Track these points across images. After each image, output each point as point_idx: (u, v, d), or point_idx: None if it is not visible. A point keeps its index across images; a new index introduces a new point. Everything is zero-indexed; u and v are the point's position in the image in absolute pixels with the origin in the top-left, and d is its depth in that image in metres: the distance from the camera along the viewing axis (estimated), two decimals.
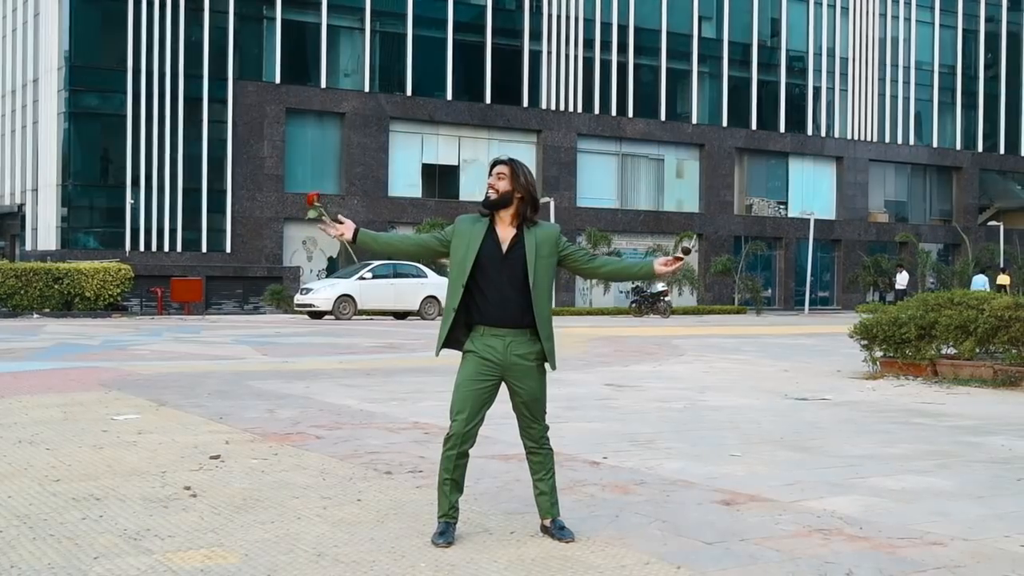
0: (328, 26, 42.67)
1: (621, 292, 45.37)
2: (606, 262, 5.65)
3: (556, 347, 5.49)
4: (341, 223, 5.43)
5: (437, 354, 5.54)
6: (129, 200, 39.53)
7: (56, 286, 32.80)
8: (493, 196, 5.32)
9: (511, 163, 5.36)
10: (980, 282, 42.33)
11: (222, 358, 17.11)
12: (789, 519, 5.88)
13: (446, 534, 5.25)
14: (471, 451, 5.33)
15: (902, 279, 39.99)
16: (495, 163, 5.40)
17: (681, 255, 5.41)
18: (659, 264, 5.48)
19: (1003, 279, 44.88)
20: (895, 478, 7.16)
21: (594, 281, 44.71)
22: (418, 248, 5.67)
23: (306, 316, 33.48)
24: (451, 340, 5.39)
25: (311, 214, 5.43)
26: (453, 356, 5.51)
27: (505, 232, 5.34)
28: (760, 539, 5.42)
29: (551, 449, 5.51)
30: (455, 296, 5.31)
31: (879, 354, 15.38)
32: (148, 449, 7.96)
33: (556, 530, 5.34)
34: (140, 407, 10.47)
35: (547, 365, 5.41)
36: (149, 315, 34.94)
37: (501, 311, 5.26)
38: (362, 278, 33.49)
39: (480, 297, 5.28)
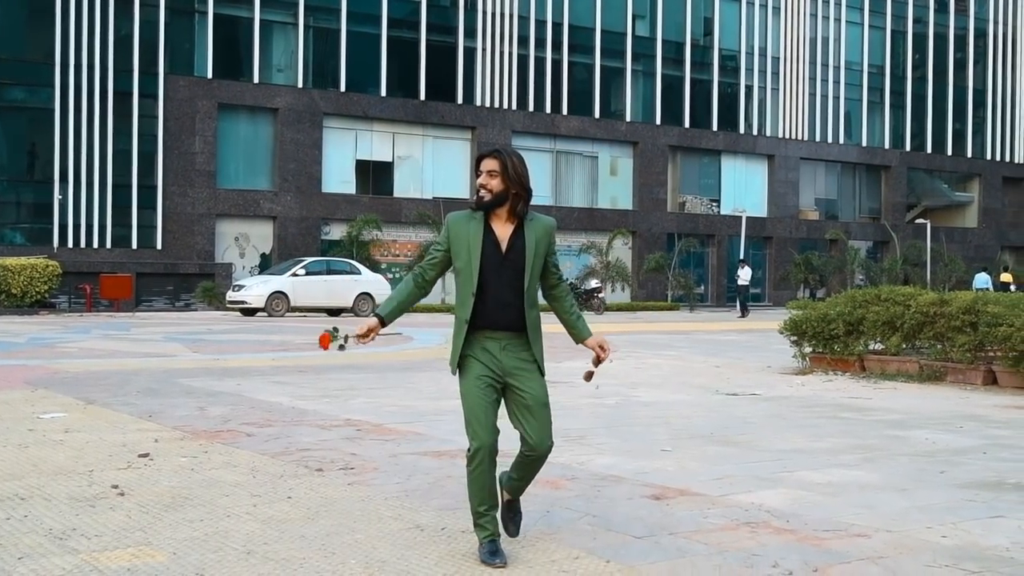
0: (261, 21, 42.24)
1: None
2: (563, 296, 5.15)
3: None
4: (365, 335, 4.96)
5: (454, 371, 5.00)
6: (57, 196, 38.89)
7: None
8: (487, 198, 4.89)
9: (500, 156, 4.92)
10: (982, 280, 42.78)
11: (152, 355, 16.91)
12: (717, 513, 5.94)
13: (499, 553, 4.86)
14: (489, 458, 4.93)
15: (745, 274, 40.24)
16: (481, 157, 4.95)
17: (589, 374, 5.23)
18: (589, 344, 5.08)
19: (1006, 277, 45.32)
20: (822, 472, 7.27)
21: None
22: (436, 274, 5.09)
23: (238, 313, 33.18)
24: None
25: (336, 349, 5.09)
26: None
27: (503, 230, 4.94)
28: (688, 533, 5.48)
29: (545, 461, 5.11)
30: (466, 307, 4.90)
31: (808, 350, 15.60)
32: (75, 448, 7.86)
33: (508, 521, 5.18)
34: (67, 405, 10.32)
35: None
36: (77, 312, 34.41)
37: (498, 315, 4.90)
38: (295, 275, 33.27)
39: (478, 300, 4.91)
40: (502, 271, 4.90)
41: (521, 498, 5.33)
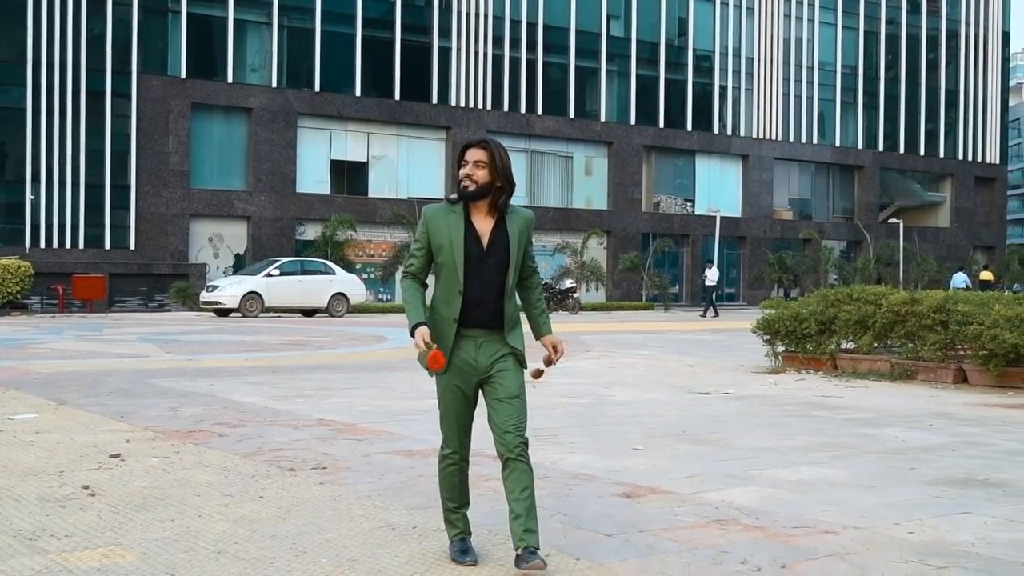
0: (234, 20, 42.12)
1: None
2: (533, 287, 4.99)
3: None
4: (430, 345, 4.67)
5: (445, 370, 4.78)
6: (29, 196, 38.65)
7: None
8: (472, 188, 4.68)
9: (488, 147, 4.73)
10: (960, 280, 43.12)
11: (125, 356, 16.83)
12: (688, 511, 5.98)
13: (470, 552, 4.87)
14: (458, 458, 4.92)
15: (712, 275, 40.47)
16: (468, 146, 4.75)
17: (538, 372, 5.03)
18: (544, 341, 4.93)
19: (986, 275, 45.64)
20: (792, 469, 7.32)
21: None
22: (427, 273, 4.88)
23: (212, 314, 33.05)
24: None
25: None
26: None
27: (483, 224, 4.74)
28: (659, 530, 5.51)
29: (530, 465, 4.78)
30: (452, 305, 4.71)
31: (781, 349, 15.68)
32: (46, 448, 7.82)
33: (527, 556, 4.63)
34: (38, 406, 10.27)
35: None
36: (50, 313, 34.21)
37: (475, 313, 4.72)
38: (269, 275, 33.16)
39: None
40: (482, 267, 4.71)
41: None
